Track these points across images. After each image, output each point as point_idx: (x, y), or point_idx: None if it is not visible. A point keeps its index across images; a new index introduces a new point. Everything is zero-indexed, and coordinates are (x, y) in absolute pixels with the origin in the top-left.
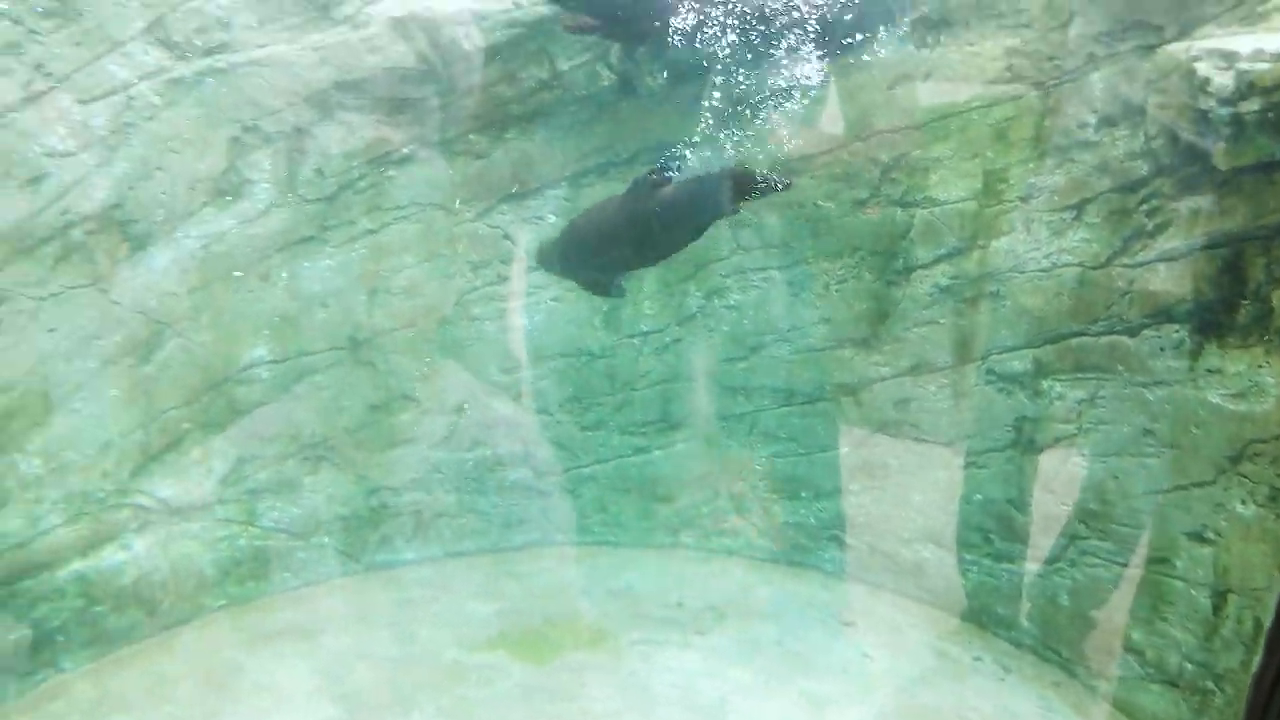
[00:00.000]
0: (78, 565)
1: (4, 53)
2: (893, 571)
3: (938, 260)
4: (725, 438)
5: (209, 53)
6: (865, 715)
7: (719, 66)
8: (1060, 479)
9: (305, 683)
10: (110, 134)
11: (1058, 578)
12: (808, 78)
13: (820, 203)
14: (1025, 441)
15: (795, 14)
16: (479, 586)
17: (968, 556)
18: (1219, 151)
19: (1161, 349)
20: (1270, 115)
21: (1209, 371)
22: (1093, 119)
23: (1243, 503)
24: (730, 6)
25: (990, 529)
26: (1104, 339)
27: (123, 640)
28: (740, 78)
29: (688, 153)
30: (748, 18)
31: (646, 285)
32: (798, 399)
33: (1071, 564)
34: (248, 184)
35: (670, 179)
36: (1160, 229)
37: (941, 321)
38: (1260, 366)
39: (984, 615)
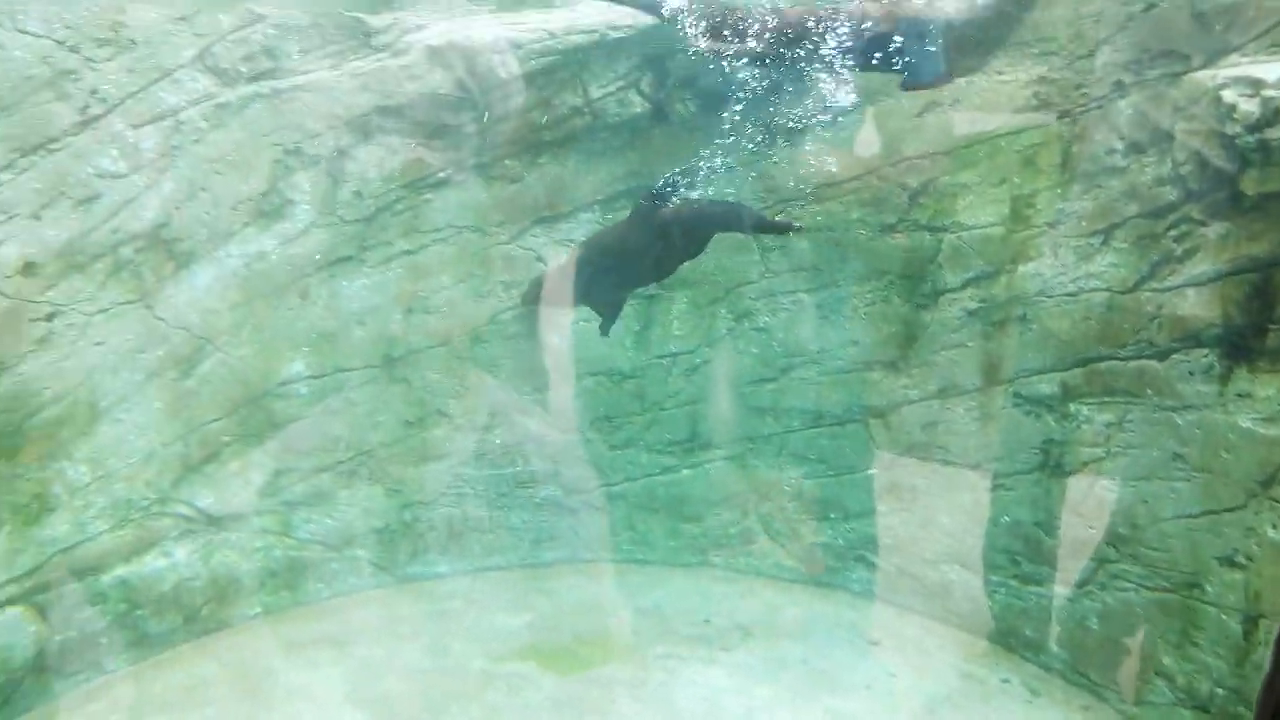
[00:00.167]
0: (121, 571)
1: (63, 80)
2: (920, 593)
3: (966, 284)
4: (754, 458)
5: (254, 79)
6: None
7: (749, 93)
8: (1089, 502)
9: (337, 690)
10: (159, 156)
11: (1087, 601)
12: (836, 104)
13: (848, 227)
14: (1053, 464)
15: (829, 40)
16: (509, 600)
17: (995, 579)
18: (1246, 177)
19: (1190, 373)
20: None
21: (1239, 396)
22: (1120, 145)
23: (1274, 527)
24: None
25: (1018, 551)
26: (1132, 363)
27: (162, 644)
28: (770, 104)
29: (683, 176)
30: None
31: (676, 307)
32: (826, 420)
33: (1101, 588)
34: (289, 205)
35: (669, 200)
36: (1189, 254)
37: (969, 345)
38: None
39: (1012, 638)
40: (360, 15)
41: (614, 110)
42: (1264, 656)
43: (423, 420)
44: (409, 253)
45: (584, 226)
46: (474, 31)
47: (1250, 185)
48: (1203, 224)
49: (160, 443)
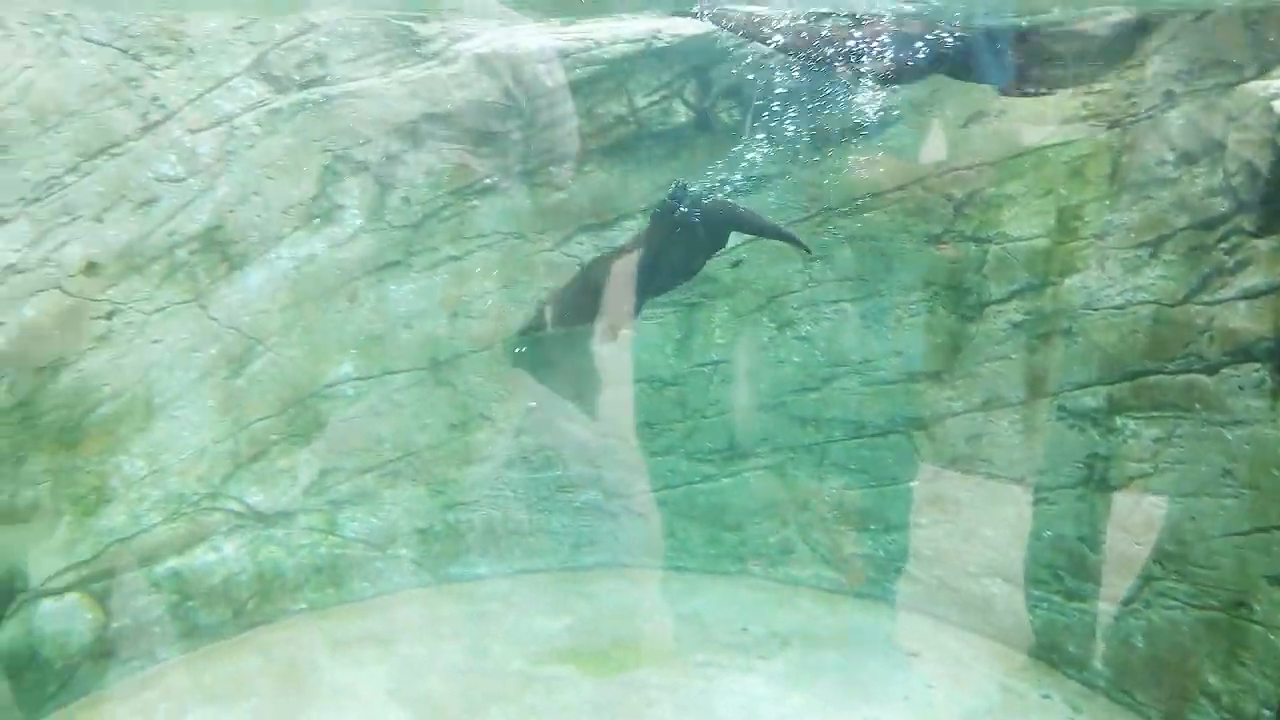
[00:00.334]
0: (173, 562)
1: (125, 87)
2: (960, 605)
3: (1011, 296)
4: (794, 468)
5: (306, 85)
6: None
7: (793, 102)
8: (1135, 518)
9: (379, 687)
10: (214, 161)
11: (1132, 619)
12: (881, 113)
13: (893, 237)
14: (1098, 479)
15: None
16: (549, 604)
17: (1037, 593)
18: None
19: (1241, 388)
20: None
21: None
22: (1171, 156)
23: None
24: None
25: (1060, 566)
26: (1181, 377)
27: (212, 636)
28: (813, 113)
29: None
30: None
31: (718, 315)
32: (868, 431)
33: (1146, 605)
34: (338, 209)
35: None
36: (1240, 266)
37: (1014, 357)
38: None
39: (1054, 653)
40: (410, 23)
41: (658, 119)
42: None
43: (466, 423)
44: (455, 258)
45: (628, 235)
46: (521, 40)
47: None
48: (1255, 235)
49: (211, 439)
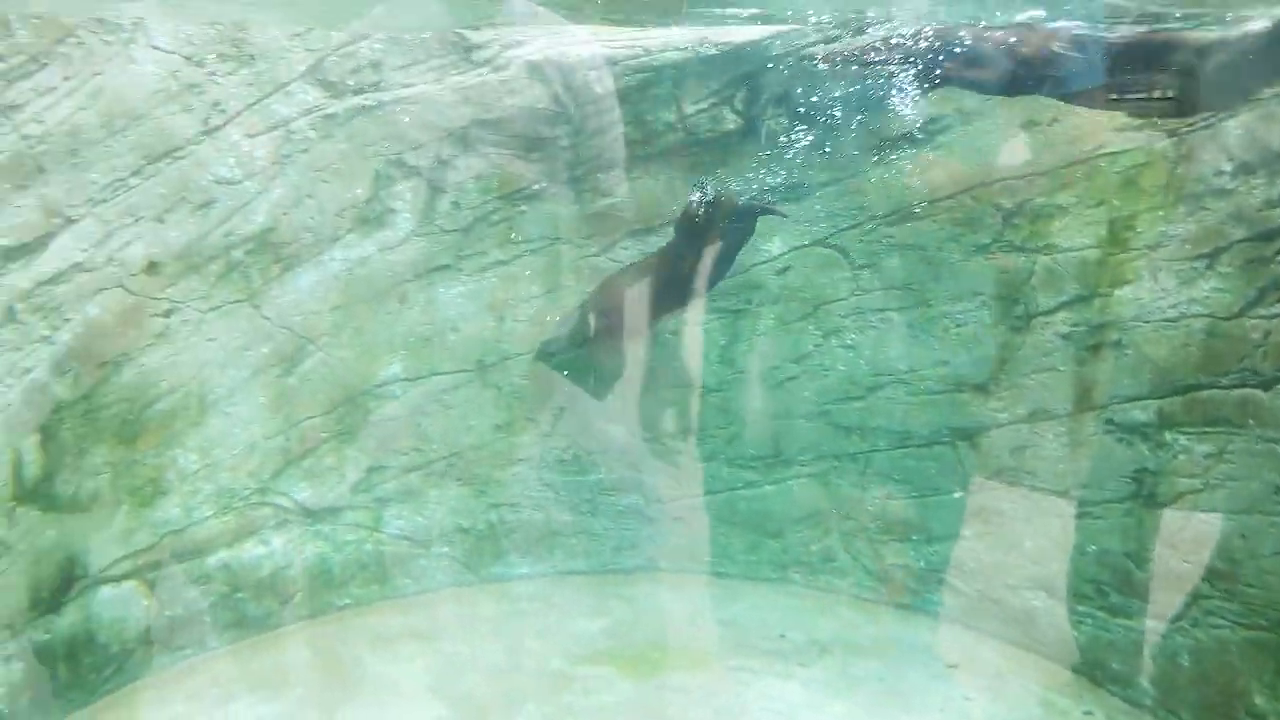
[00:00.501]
0: (224, 555)
1: (188, 93)
2: (1001, 619)
3: (1059, 307)
4: (837, 477)
5: (360, 91)
6: None
7: (842, 110)
8: (1184, 535)
9: (419, 682)
10: (270, 165)
11: (1179, 637)
12: (930, 122)
13: (941, 246)
14: (1146, 494)
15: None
16: (588, 605)
17: (1080, 608)
18: None
19: None
20: None
21: None
22: (1229, 166)
23: None
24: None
25: (1105, 581)
26: (1235, 392)
27: (259, 627)
28: (863, 121)
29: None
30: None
31: (763, 323)
32: (913, 441)
33: (1194, 624)
34: (390, 213)
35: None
36: None
37: (1062, 369)
38: None
39: (1097, 670)
40: (462, 31)
41: (706, 126)
42: None
43: (511, 425)
44: (503, 263)
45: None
46: (571, 48)
47: None
48: None
49: (262, 436)
